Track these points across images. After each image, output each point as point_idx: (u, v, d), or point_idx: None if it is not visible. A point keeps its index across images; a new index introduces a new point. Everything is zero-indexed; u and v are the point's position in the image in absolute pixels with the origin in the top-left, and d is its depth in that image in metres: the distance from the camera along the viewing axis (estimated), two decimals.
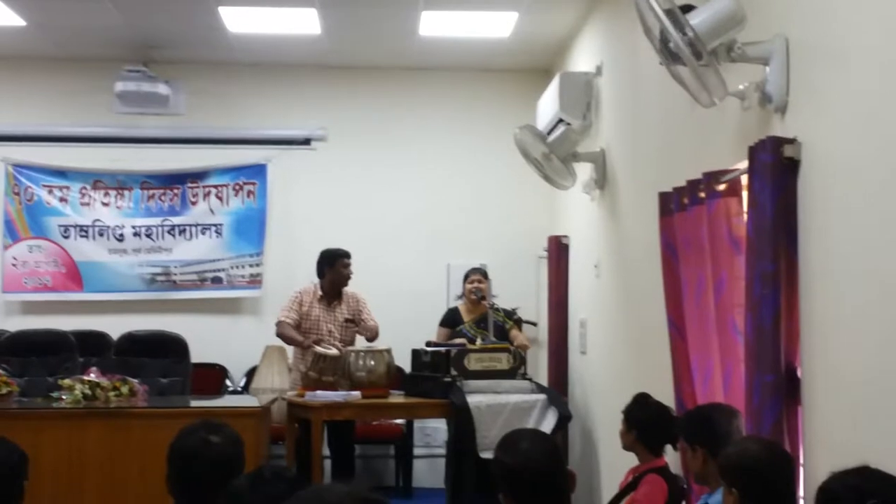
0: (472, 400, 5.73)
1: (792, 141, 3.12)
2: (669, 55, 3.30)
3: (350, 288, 6.53)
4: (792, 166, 3.12)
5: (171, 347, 6.93)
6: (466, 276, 6.80)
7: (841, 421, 2.87)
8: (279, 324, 6.40)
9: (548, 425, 5.65)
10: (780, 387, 3.06)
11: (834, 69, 2.95)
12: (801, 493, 2.85)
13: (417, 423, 7.49)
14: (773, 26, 3.30)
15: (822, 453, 2.95)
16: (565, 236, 6.95)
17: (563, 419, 5.78)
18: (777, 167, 3.10)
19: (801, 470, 2.99)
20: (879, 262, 2.67)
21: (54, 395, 5.72)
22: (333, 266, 6.45)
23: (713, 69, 3.16)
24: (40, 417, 5.53)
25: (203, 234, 7.92)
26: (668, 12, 3.13)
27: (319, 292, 6.47)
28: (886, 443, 2.58)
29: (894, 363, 2.58)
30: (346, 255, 6.49)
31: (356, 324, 6.47)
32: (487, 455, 5.47)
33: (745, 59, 3.30)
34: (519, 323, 6.79)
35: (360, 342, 6.46)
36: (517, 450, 2.68)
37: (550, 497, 2.62)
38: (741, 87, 3.38)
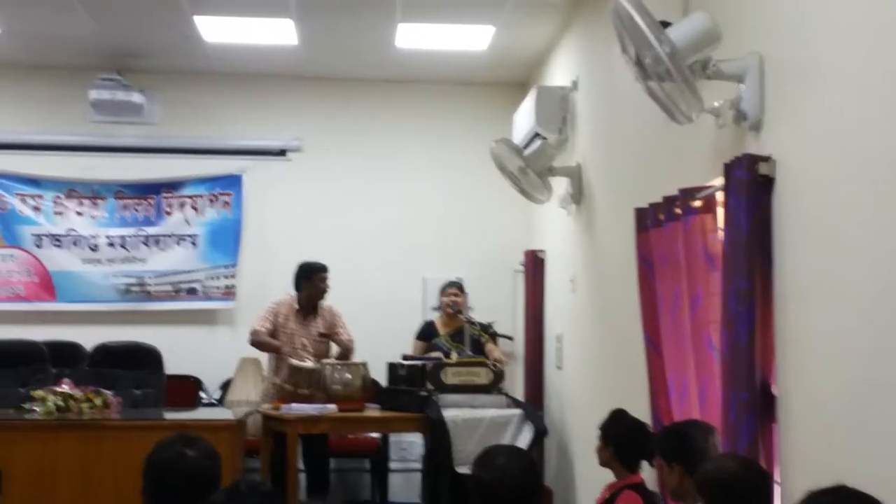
0: (447, 414, 5.72)
1: (767, 159, 3.14)
2: (644, 72, 3.31)
3: (327, 301, 6.51)
4: (767, 183, 3.14)
5: (145, 359, 6.90)
6: (443, 290, 6.80)
7: (817, 439, 2.88)
8: (254, 332, 6.38)
9: (524, 440, 5.65)
10: (756, 404, 3.08)
11: (808, 87, 2.98)
12: None
13: (393, 437, 7.46)
14: (748, 44, 3.33)
15: (797, 471, 2.96)
16: (541, 251, 6.96)
17: (539, 434, 5.79)
18: (752, 184, 3.12)
19: (778, 488, 3.00)
20: (854, 280, 2.69)
21: (26, 406, 5.65)
22: (311, 280, 6.43)
23: (690, 85, 3.18)
24: (12, 429, 5.47)
25: (178, 244, 7.88)
26: (650, 25, 3.14)
27: (296, 305, 6.45)
28: (862, 461, 2.60)
29: (870, 380, 2.60)
30: (324, 268, 6.47)
31: (330, 338, 6.45)
32: (463, 469, 5.47)
33: (720, 76, 3.32)
34: (494, 337, 6.79)
35: (335, 351, 6.43)
36: (494, 465, 2.68)
37: None
38: (716, 104, 3.40)
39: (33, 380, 6.55)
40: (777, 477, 3.05)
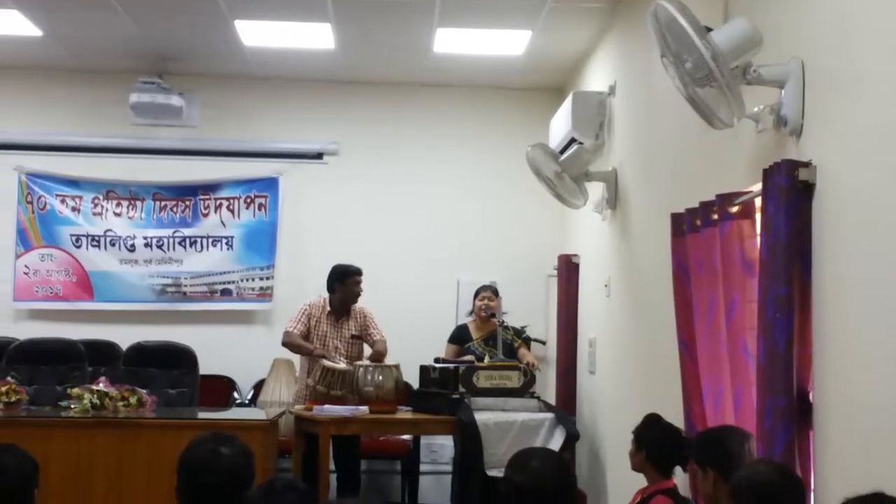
0: (479, 417, 5.72)
1: (807, 164, 3.12)
2: (684, 76, 3.30)
3: (358, 303, 6.53)
4: (806, 189, 3.12)
5: (179, 358, 6.94)
6: (477, 293, 6.80)
7: (853, 447, 2.86)
8: (286, 333, 6.41)
9: (555, 444, 5.64)
10: (792, 411, 3.05)
11: (849, 93, 2.96)
12: None
13: (424, 440, 7.48)
14: (789, 49, 3.31)
15: (833, 479, 2.94)
16: (576, 255, 6.95)
17: (571, 438, 5.77)
18: (791, 190, 3.10)
19: (812, 496, 2.98)
20: (893, 287, 2.66)
21: (63, 403, 5.73)
22: (344, 283, 6.45)
23: (733, 89, 3.17)
24: (49, 426, 5.54)
25: (214, 246, 7.94)
26: (694, 27, 3.13)
27: (328, 307, 6.48)
28: None
29: None
30: (358, 272, 6.48)
31: (363, 339, 6.47)
32: (494, 473, 5.47)
33: (760, 81, 3.30)
34: (528, 342, 6.78)
35: (368, 354, 6.44)
36: (528, 468, 2.68)
37: None
38: (756, 109, 3.39)
39: (70, 378, 6.62)
40: (812, 484, 3.03)
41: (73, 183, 7.94)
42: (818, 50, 3.18)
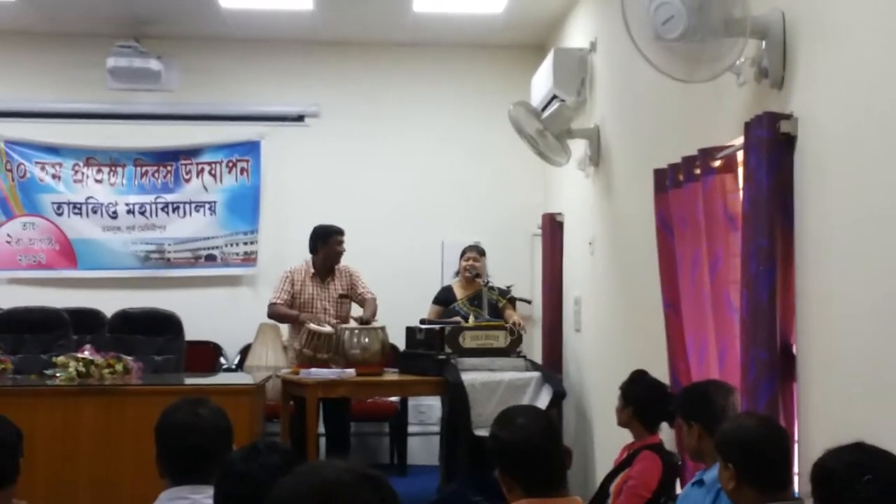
0: (466, 377, 5.74)
1: (788, 116, 3.11)
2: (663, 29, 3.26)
3: (342, 262, 6.52)
4: (788, 142, 3.11)
5: (165, 325, 6.92)
6: (462, 254, 6.78)
7: (836, 398, 2.87)
8: (271, 305, 6.41)
9: (542, 403, 5.66)
10: (776, 363, 3.07)
11: (831, 44, 2.94)
12: (795, 469, 2.86)
13: (412, 401, 7.51)
14: (769, 0, 3.28)
15: (816, 430, 2.96)
16: (559, 213, 6.94)
17: (558, 396, 5.80)
18: (773, 143, 3.09)
19: (796, 446, 3.00)
20: (875, 238, 2.67)
21: (48, 372, 5.70)
22: (327, 242, 6.43)
23: (718, 38, 3.13)
24: (34, 395, 5.51)
25: (197, 211, 7.90)
26: None
27: (312, 269, 6.46)
28: (881, 420, 2.59)
29: (891, 340, 2.59)
30: (340, 231, 6.47)
31: (351, 298, 6.47)
32: (481, 432, 5.49)
33: (741, 32, 3.27)
34: (513, 302, 6.78)
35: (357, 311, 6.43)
36: (514, 425, 2.68)
37: (547, 472, 2.62)
38: (737, 62, 3.36)
39: (55, 346, 6.59)
40: (796, 436, 3.05)
41: (52, 150, 7.86)
42: (798, 0, 3.15)
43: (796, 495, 2.65)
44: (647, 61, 3.29)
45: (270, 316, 6.48)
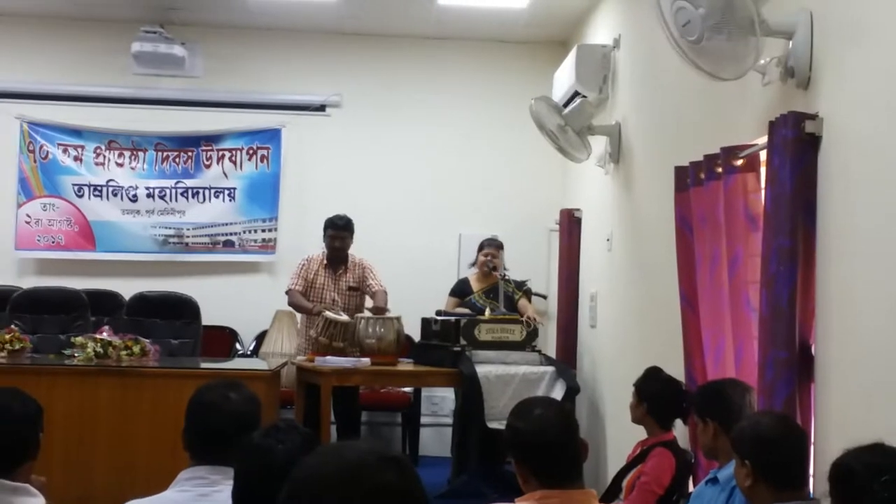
0: (480, 370, 5.75)
1: (814, 116, 3.11)
2: (697, 26, 3.25)
3: (359, 255, 6.53)
4: (812, 142, 3.11)
5: (182, 309, 6.95)
6: (481, 248, 6.79)
7: (854, 399, 2.87)
8: (289, 292, 6.44)
9: (556, 397, 5.66)
10: (794, 363, 3.07)
11: (858, 44, 2.94)
12: (811, 469, 2.86)
13: (425, 392, 7.53)
14: (797, 0, 3.28)
15: (834, 430, 2.96)
16: (578, 209, 6.94)
17: (572, 391, 5.81)
18: (797, 143, 3.09)
19: (812, 447, 3.00)
20: None
21: (66, 352, 5.75)
22: (325, 235, 6.48)
23: (746, 36, 3.13)
24: (52, 374, 5.56)
25: (216, 197, 7.93)
26: None
27: (324, 260, 6.49)
28: None
29: None
30: (335, 226, 6.45)
31: (362, 291, 6.48)
32: (495, 425, 5.51)
33: (768, 32, 3.27)
34: (528, 295, 6.79)
35: (370, 305, 6.45)
36: (531, 416, 2.69)
37: (563, 464, 2.63)
38: (762, 61, 3.36)
39: (73, 326, 6.65)
40: (812, 435, 3.05)
41: (75, 132, 7.91)
42: (827, 0, 3.14)
43: (811, 496, 2.66)
44: (683, 54, 3.28)
45: (290, 303, 6.52)
